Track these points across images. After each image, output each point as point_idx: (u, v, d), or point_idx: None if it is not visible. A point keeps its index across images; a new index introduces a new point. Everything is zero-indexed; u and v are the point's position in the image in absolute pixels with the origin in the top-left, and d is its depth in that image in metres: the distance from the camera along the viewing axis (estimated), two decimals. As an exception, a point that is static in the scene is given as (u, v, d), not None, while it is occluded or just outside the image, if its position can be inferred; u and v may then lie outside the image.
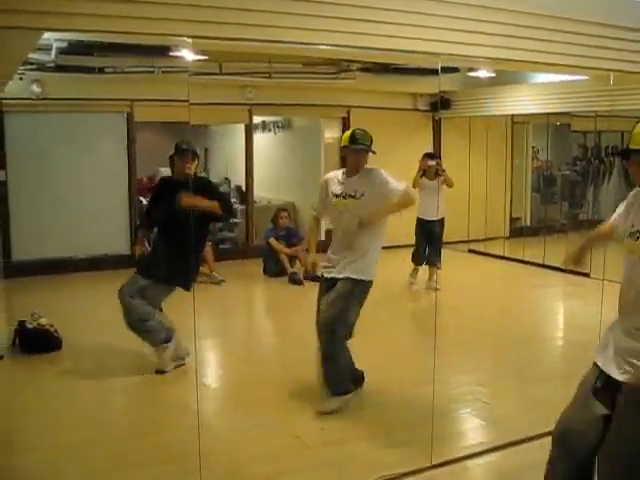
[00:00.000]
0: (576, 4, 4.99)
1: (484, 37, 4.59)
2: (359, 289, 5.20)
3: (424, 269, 9.75)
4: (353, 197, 5.23)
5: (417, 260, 9.70)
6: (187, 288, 5.91)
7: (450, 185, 9.38)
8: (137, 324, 5.96)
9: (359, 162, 5.28)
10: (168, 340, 6.03)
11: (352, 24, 4.16)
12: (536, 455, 4.46)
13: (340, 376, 5.28)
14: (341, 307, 5.14)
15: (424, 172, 9.27)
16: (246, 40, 4.06)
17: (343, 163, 5.46)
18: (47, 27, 3.97)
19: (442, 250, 9.77)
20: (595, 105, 9.75)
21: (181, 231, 5.58)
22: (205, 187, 6.11)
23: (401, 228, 10.26)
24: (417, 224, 9.50)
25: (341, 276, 5.21)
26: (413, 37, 4.36)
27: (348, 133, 5.35)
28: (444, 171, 9.25)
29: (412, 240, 9.60)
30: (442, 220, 9.61)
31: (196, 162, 6.23)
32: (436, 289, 9.23)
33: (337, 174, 5.43)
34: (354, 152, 5.26)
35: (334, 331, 5.14)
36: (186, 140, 6.36)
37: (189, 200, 5.69)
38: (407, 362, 6.08)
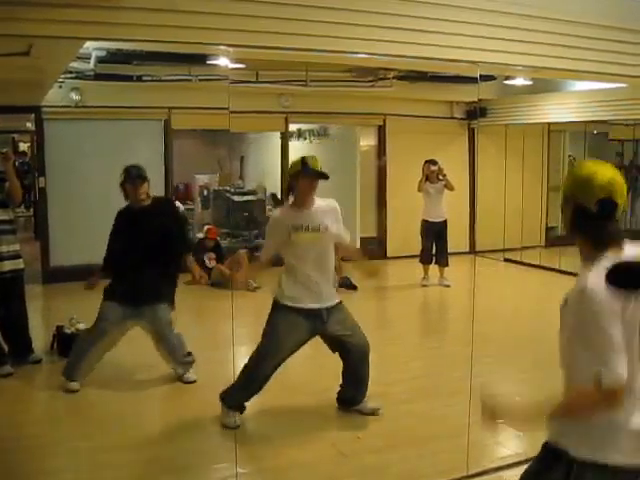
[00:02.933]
0: (617, 12, 4.95)
1: (523, 45, 4.59)
2: None
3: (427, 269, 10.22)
4: (317, 230, 4.98)
5: (425, 260, 10.28)
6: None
7: (451, 189, 10.07)
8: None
9: (312, 189, 5.00)
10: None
11: (390, 33, 4.17)
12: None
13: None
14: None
15: (427, 177, 9.94)
16: (283, 49, 4.08)
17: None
18: (90, 37, 4.03)
19: (476, 256, 9.77)
20: (634, 113, 9.65)
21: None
22: (170, 212, 6.22)
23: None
24: (423, 226, 10.11)
25: (332, 303, 5.14)
26: (452, 46, 4.36)
27: (297, 160, 5.04)
28: (445, 176, 9.97)
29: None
30: (445, 222, 10.16)
31: (146, 186, 6.09)
32: (447, 286, 10.08)
33: (285, 210, 5.17)
34: (307, 179, 4.94)
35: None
36: (135, 163, 6.25)
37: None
38: (443, 371, 6.05)
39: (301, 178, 4.92)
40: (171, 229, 6.00)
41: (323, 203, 5.09)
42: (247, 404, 5.17)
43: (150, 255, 5.86)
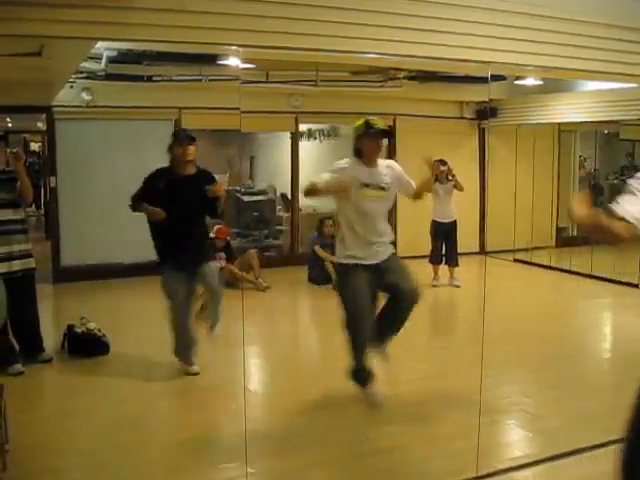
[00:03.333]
0: (628, 12, 4.94)
1: (534, 45, 4.58)
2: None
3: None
4: (383, 189, 5.22)
5: (435, 260, 10.26)
6: None
7: (460, 189, 10.04)
8: None
9: (378, 148, 5.29)
10: None
11: (400, 33, 4.17)
12: (582, 468, 4.43)
13: None
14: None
15: (436, 177, 9.59)
16: (294, 49, 4.09)
17: (357, 153, 5.31)
18: (101, 37, 4.06)
19: (487, 257, 9.77)
20: (645, 113, 9.63)
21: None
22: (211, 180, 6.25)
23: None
24: (432, 226, 10.10)
25: (386, 256, 5.26)
26: (463, 46, 4.36)
27: (361, 122, 5.22)
28: (454, 176, 9.93)
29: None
30: (455, 222, 10.16)
31: (193, 148, 6.27)
32: (457, 286, 10.08)
33: (356, 164, 5.28)
34: (373, 138, 5.20)
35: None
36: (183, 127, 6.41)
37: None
38: (453, 372, 6.05)
39: (366, 139, 5.17)
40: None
41: (384, 163, 5.37)
42: (255, 406, 5.17)
43: (195, 219, 6.21)
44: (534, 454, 4.65)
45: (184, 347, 6.22)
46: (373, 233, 5.21)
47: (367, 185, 5.18)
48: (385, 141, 5.29)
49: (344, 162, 5.33)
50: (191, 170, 6.26)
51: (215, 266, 6.41)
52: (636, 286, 9.69)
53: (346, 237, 5.25)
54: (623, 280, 10.03)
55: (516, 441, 5.00)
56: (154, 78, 9.92)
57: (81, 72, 9.29)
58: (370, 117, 5.21)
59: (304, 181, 12.11)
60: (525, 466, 4.47)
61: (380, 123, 5.21)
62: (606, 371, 6.83)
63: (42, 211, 15.21)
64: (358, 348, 5.18)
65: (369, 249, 5.20)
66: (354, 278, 5.14)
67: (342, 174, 5.15)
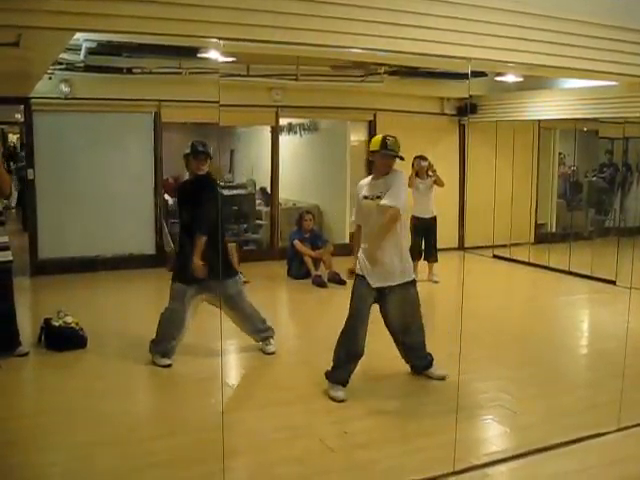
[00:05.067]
0: (610, 10, 4.95)
1: (516, 42, 4.58)
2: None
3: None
4: (379, 198, 5.40)
5: (414, 256, 9.96)
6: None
7: (441, 185, 10.07)
8: None
9: (387, 166, 5.46)
10: None
11: (382, 28, 4.15)
12: (559, 464, 4.46)
13: None
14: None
15: (417, 173, 9.88)
16: (277, 43, 4.07)
17: (369, 167, 5.59)
18: (79, 28, 4.00)
19: (465, 253, 9.80)
20: (624, 111, 9.67)
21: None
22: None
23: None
24: (412, 222, 9.83)
25: (395, 283, 5.54)
26: (445, 41, 4.35)
27: (379, 138, 5.48)
28: (434, 172, 9.95)
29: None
30: (435, 218, 10.16)
31: (208, 162, 6.36)
32: (436, 282, 10.13)
33: (366, 180, 5.65)
34: (384, 157, 5.44)
35: None
36: (201, 140, 6.44)
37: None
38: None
39: (379, 155, 5.46)
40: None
41: (391, 174, 5.51)
42: (233, 400, 5.16)
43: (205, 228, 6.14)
44: (511, 449, 4.68)
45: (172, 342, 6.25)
46: (375, 245, 5.46)
47: (365, 197, 5.55)
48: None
49: (362, 181, 5.73)
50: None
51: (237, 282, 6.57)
52: (613, 282, 9.75)
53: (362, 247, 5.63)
54: (601, 276, 10.09)
55: (493, 437, 5.03)
56: (134, 70, 9.86)
57: (60, 63, 9.24)
58: (389, 137, 5.48)
59: (284, 175, 12.21)
60: (502, 461, 4.50)
61: (396, 145, 5.47)
62: (583, 367, 6.88)
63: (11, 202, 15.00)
64: (340, 352, 5.53)
65: (372, 265, 5.49)
66: (357, 293, 5.55)
67: (355, 197, 5.75)
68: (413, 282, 5.69)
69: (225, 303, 6.16)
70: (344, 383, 5.51)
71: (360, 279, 5.53)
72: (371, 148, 5.56)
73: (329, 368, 5.57)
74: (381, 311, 5.66)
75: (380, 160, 5.48)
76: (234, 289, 6.40)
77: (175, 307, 6.19)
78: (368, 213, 5.52)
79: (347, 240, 12.41)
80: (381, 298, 5.55)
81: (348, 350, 5.51)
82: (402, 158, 5.50)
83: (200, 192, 6.17)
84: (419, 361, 5.98)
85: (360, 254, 5.57)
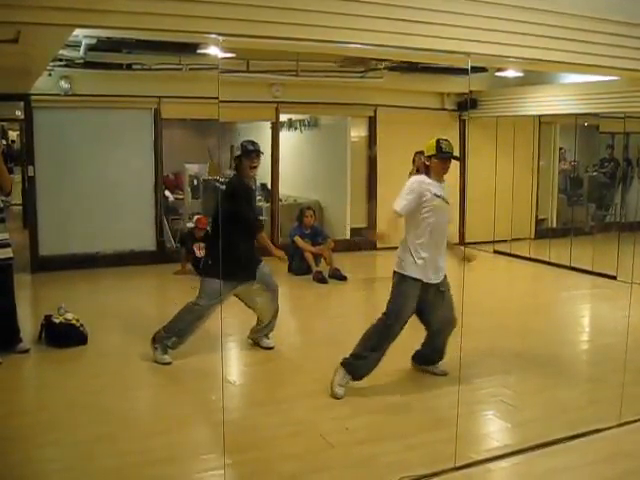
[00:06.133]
0: (610, 4, 4.94)
1: (516, 37, 4.57)
2: None
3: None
4: (447, 202, 5.61)
5: None
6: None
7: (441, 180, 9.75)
8: None
9: (446, 169, 5.59)
10: None
11: (381, 23, 4.14)
12: (560, 459, 4.46)
13: None
14: None
15: (417, 169, 9.57)
16: (275, 38, 4.05)
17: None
18: (78, 24, 3.99)
19: (466, 248, 9.79)
20: (624, 106, 9.66)
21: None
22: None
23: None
24: None
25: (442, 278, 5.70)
26: (444, 36, 4.34)
27: (433, 143, 5.55)
28: None
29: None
30: None
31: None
32: None
33: (428, 179, 5.60)
34: (443, 160, 5.53)
35: None
36: (250, 139, 6.48)
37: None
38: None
39: (437, 159, 5.52)
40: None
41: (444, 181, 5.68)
42: (234, 397, 5.16)
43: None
44: (512, 445, 4.67)
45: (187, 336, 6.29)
46: (436, 245, 5.66)
47: (438, 196, 5.58)
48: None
49: (420, 178, 5.68)
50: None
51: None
52: (614, 278, 9.74)
53: (420, 247, 5.64)
54: (602, 272, 10.08)
55: (494, 432, 5.02)
56: (134, 67, 9.85)
57: (60, 60, 9.22)
58: (443, 140, 5.55)
59: (285, 171, 12.19)
60: (503, 457, 4.49)
61: (451, 147, 5.58)
62: (584, 362, 6.88)
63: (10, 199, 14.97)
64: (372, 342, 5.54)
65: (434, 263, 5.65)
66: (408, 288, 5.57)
67: (413, 192, 5.56)
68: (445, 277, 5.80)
69: (266, 284, 6.48)
70: (360, 379, 5.53)
71: (411, 280, 5.51)
72: (427, 153, 5.59)
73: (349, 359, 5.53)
74: (426, 306, 5.63)
75: (439, 163, 5.52)
76: (266, 268, 6.58)
77: (208, 303, 6.12)
78: (438, 212, 5.55)
79: (348, 236, 12.45)
80: (429, 293, 5.58)
81: (382, 349, 5.51)
82: (459, 159, 5.56)
83: (252, 193, 6.49)
84: (434, 354, 5.95)
85: (412, 252, 5.53)
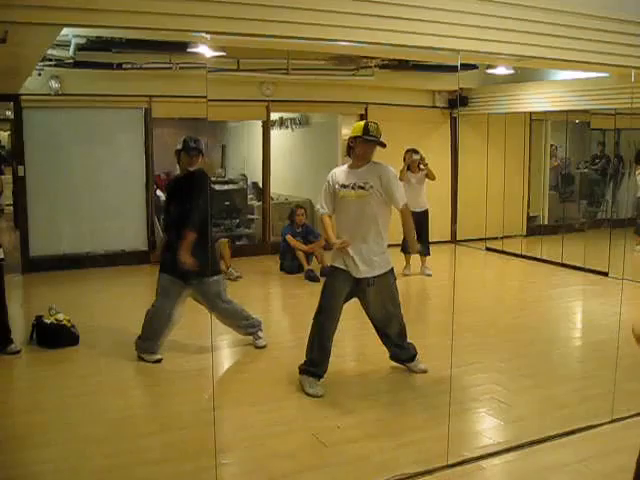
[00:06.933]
0: (602, 2, 4.95)
1: (506, 34, 4.57)
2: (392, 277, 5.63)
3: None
4: (363, 188, 5.32)
5: (407, 249, 9.93)
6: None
7: (432, 178, 10.03)
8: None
9: (369, 154, 5.37)
10: None
11: (371, 20, 4.14)
12: (553, 456, 4.46)
13: None
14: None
15: (408, 166, 9.89)
16: (264, 36, 4.04)
17: (349, 153, 5.47)
18: (65, 22, 3.95)
19: (457, 246, 9.83)
20: (615, 102, 9.65)
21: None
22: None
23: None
24: None
25: (377, 274, 5.45)
26: (434, 33, 4.34)
27: (361, 124, 5.37)
28: (426, 165, 9.92)
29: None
30: (427, 211, 10.10)
31: (200, 159, 6.28)
32: (428, 275, 10.12)
33: (341, 168, 5.52)
34: (366, 143, 5.31)
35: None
36: (194, 137, 6.35)
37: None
38: (424, 361, 6.04)
39: (359, 142, 5.31)
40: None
41: (376, 166, 5.42)
42: (226, 396, 5.14)
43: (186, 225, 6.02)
44: (504, 442, 4.67)
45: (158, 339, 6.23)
46: (352, 236, 5.38)
47: (345, 187, 5.36)
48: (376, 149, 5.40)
49: (335, 170, 5.56)
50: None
51: (216, 282, 6.40)
52: (606, 274, 9.76)
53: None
54: (593, 268, 10.10)
55: (487, 429, 5.01)
56: (124, 66, 9.81)
57: (49, 60, 9.20)
58: (371, 123, 5.37)
59: (276, 170, 12.18)
60: (496, 454, 4.49)
61: (378, 131, 5.33)
62: (577, 359, 6.88)
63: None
64: (312, 342, 5.54)
65: (347, 254, 5.40)
66: (334, 280, 5.49)
67: (327, 188, 5.49)
68: (392, 271, 5.59)
69: (206, 302, 6.24)
70: (320, 377, 5.53)
71: (337, 271, 5.48)
72: (352, 134, 5.39)
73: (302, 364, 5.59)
74: (362, 303, 5.62)
75: (361, 147, 5.33)
76: (215, 288, 6.29)
77: (162, 303, 6.16)
78: (346, 203, 5.37)
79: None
80: (361, 290, 5.47)
81: (320, 346, 5.52)
82: (384, 145, 5.33)
83: (191, 188, 6.09)
84: (401, 351, 5.91)
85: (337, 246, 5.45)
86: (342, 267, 5.43)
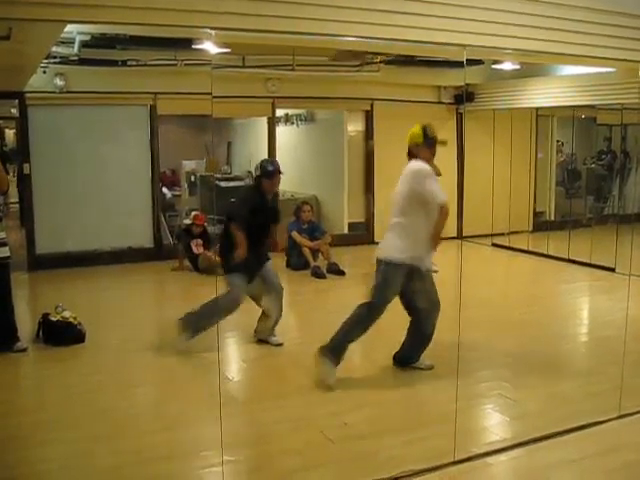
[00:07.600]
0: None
1: (512, 28, 4.54)
2: None
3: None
4: None
5: None
6: None
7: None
8: None
9: (434, 154, 5.65)
10: None
11: (377, 16, 4.12)
12: (560, 452, 4.44)
13: None
14: None
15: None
16: (269, 32, 4.03)
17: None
18: (69, 19, 3.96)
19: (463, 242, 9.83)
20: (622, 98, 9.63)
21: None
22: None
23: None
24: None
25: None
26: (440, 28, 4.32)
27: (418, 130, 5.57)
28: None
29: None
30: None
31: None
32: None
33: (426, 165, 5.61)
34: (431, 146, 5.58)
35: None
36: (270, 159, 6.57)
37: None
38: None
39: (424, 146, 5.53)
40: None
41: (411, 167, 5.67)
42: (233, 393, 5.14)
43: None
44: (511, 438, 4.65)
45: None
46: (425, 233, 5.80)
47: None
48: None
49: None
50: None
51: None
52: (613, 270, 9.73)
53: None
54: (600, 264, 10.07)
55: (493, 425, 5.00)
56: (129, 63, 9.82)
57: (54, 57, 9.20)
58: (428, 126, 5.57)
59: (282, 166, 12.15)
60: (502, 450, 4.48)
61: (435, 132, 5.57)
62: (583, 355, 6.86)
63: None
64: (352, 333, 5.59)
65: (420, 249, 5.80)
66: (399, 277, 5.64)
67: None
68: None
69: (273, 281, 6.59)
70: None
71: (398, 267, 5.60)
72: (414, 141, 5.56)
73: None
74: (412, 293, 5.75)
75: (427, 150, 5.54)
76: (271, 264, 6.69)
77: (237, 295, 6.29)
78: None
79: (345, 231, 12.44)
80: (418, 277, 5.71)
81: (359, 335, 5.59)
82: (445, 143, 5.64)
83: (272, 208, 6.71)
84: (418, 351, 5.93)
85: (405, 239, 5.69)
86: (407, 262, 5.59)
